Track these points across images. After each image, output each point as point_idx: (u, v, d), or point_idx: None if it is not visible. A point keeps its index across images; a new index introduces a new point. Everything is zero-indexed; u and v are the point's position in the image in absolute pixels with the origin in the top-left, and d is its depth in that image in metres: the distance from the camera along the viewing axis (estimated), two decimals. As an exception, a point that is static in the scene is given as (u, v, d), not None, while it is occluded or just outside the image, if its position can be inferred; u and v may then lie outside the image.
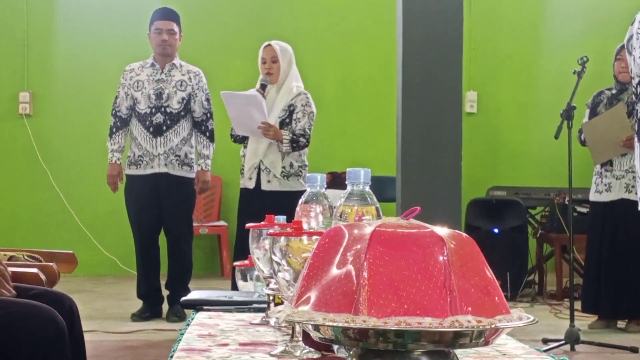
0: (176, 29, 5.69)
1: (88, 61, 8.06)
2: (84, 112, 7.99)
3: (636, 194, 5.23)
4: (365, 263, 1.11)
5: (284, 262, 1.51)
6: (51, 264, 2.66)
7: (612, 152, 5.28)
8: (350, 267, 1.13)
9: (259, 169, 5.25)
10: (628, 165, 5.26)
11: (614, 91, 5.44)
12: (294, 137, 5.19)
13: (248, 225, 1.92)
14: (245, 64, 7.22)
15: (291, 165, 5.25)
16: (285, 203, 4.76)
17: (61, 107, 8.06)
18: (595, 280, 5.41)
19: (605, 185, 5.38)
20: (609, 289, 5.37)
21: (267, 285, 1.92)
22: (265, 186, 5.23)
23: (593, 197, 5.47)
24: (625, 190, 5.30)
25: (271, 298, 1.96)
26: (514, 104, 8.51)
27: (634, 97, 5.14)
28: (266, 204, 4.99)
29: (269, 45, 5.31)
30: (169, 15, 5.72)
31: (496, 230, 6.81)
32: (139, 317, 5.62)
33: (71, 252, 2.92)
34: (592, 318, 5.52)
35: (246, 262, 2.34)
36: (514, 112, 8.51)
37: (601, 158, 5.32)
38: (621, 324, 5.50)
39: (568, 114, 4.97)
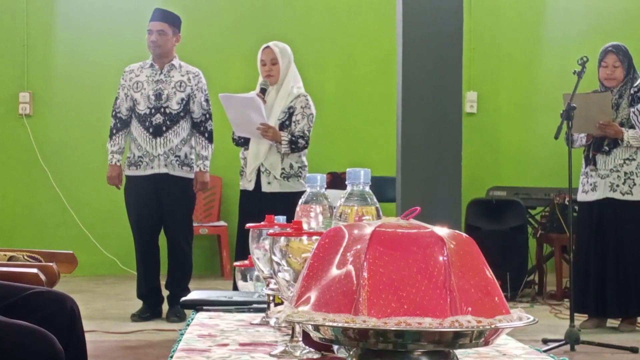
0: (168, 29, 5.66)
1: (88, 61, 8.06)
2: (84, 112, 7.99)
3: (621, 193, 5.34)
4: (365, 263, 1.11)
5: (284, 262, 1.51)
6: (51, 264, 2.66)
7: (585, 128, 5.33)
8: (350, 267, 1.13)
9: (259, 170, 5.25)
10: (612, 164, 5.37)
11: None
12: (293, 138, 5.19)
13: (248, 225, 1.92)
14: (246, 65, 7.21)
15: (291, 167, 5.25)
16: (285, 204, 4.77)
17: (61, 107, 8.06)
18: (582, 280, 5.41)
19: (591, 184, 5.44)
20: (596, 288, 5.38)
21: (267, 285, 1.92)
22: (265, 188, 5.23)
23: (580, 197, 5.50)
24: (609, 189, 5.37)
25: (271, 298, 1.96)
26: (514, 104, 8.51)
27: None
28: (266, 205, 4.99)
29: (268, 47, 5.29)
30: (160, 16, 5.71)
31: (496, 231, 6.80)
32: (139, 317, 5.61)
33: (71, 252, 2.92)
34: (583, 317, 5.52)
35: (246, 262, 2.34)
36: (514, 112, 8.51)
37: (578, 129, 5.33)
38: (613, 323, 5.50)
39: (568, 114, 4.97)
